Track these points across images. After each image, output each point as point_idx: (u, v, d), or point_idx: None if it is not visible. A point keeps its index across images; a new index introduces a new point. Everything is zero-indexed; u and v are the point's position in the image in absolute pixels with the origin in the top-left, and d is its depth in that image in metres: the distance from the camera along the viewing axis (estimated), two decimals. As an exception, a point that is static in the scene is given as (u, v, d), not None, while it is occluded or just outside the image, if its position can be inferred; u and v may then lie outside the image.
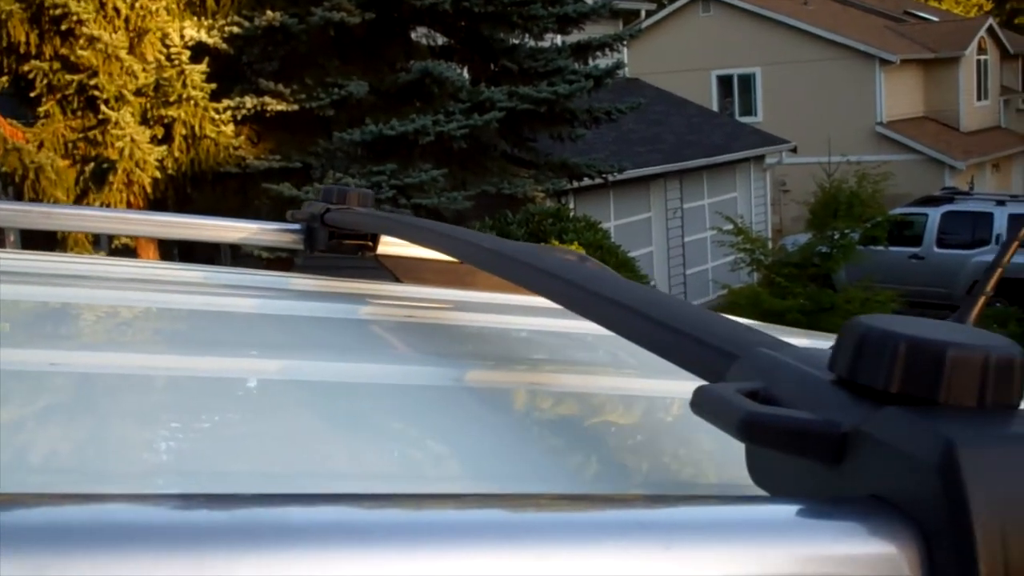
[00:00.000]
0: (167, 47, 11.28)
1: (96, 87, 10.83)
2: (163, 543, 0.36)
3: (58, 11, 10.52)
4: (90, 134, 11.11)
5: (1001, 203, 18.15)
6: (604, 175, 14.29)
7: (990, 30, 29.35)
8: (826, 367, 0.52)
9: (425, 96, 12.40)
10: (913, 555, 0.43)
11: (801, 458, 0.49)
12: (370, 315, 1.30)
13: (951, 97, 28.04)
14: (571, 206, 15.15)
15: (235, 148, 11.79)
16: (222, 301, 1.29)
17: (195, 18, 11.89)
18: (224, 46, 11.75)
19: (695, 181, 18.99)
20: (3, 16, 10.61)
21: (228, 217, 1.80)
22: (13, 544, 0.35)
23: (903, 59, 26.34)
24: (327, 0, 11.66)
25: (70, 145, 11.28)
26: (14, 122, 11.16)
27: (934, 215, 18.28)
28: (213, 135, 11.44)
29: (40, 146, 11.04)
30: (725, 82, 27.51)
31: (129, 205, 10.81)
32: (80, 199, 11.07)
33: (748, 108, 26.95)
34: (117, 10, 11.01)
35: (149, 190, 11.07)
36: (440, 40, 13.70)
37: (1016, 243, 1.60)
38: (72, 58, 10.81)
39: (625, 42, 15.68)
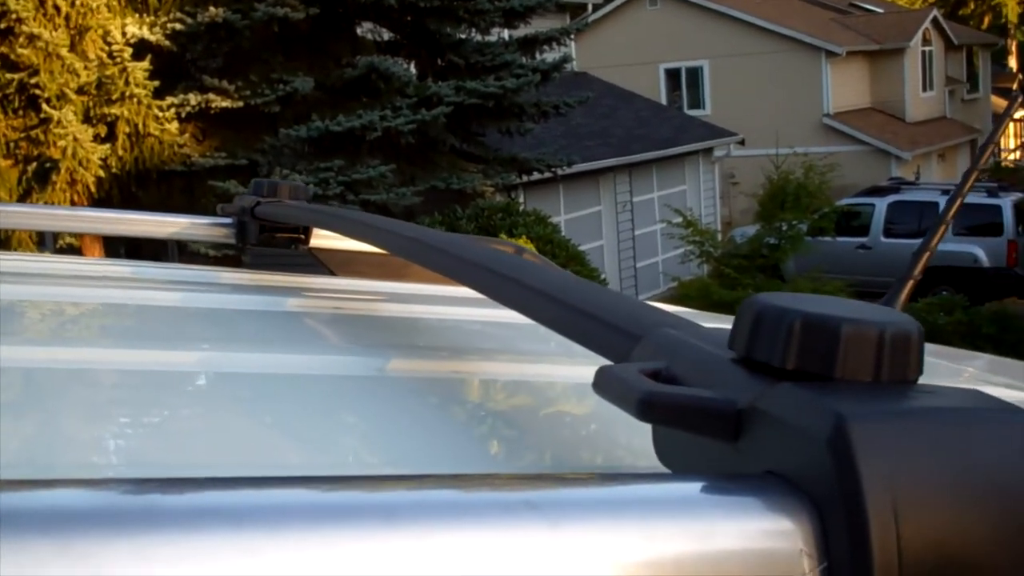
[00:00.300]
0: (109, 44, 11.15)
1: (37, 86, 10.69)
2: (111, 527, 0.36)
3: (-3, 9, 10.40)
4: (32, 133, 10.98)
5: (947, 192, 18.35)
6: (553, 169, 14.34)
7: (935, 21, 29.71)
8: (727, 346, 0.52)
9: (372, 92, 12.37)
10: (807, 529, 0.43)
11: (700, 436, 0.49)
12: (297, 307, 1.30)
13: (897, 88, 28.35)
14: (521, 201, 15.17)
15: (180, 146, 11.69)
16: (150, 295, 1.28)
17: (137, 15, 11.77)
18: (167, 43, 11.63)
19: (644, 174, 19.08)
20: (-60, 14, 10.46)
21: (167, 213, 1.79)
22: None
23: (849, 51, 26.62)
24: (271, -5, 11.61)
25: (12, 145, 11.14)
26: (-46, 122, 11.02)
27: (881, 205, 18.45)
28: (157, 133, 11.33)
29: (-19, 146, 10.93)
30: (673, 75, 27.66)
31: (73, 204, 10.68)
32: (23, 199, 10.93)
33: (696, 101, 27.11)
34: (57, 7, 10.88)
35: (93, 189, 10.94)
36: (386, 35, 13.69)
37: (944, 227, 1.61)
38: (12, 56, 10.67)
39: (572, 36, 15.72)
